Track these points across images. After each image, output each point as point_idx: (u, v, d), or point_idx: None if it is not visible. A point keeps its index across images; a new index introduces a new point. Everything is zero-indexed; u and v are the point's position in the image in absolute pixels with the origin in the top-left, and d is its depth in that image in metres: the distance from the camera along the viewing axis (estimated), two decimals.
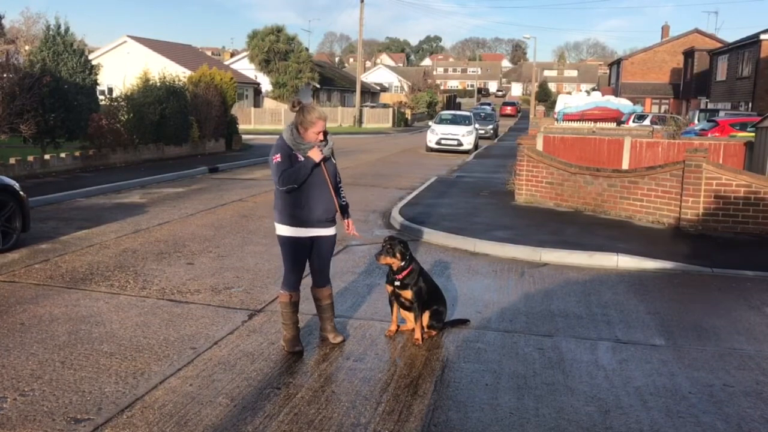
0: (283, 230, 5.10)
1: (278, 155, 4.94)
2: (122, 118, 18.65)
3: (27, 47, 31.70)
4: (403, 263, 5.35)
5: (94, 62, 20.73)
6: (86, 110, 18.13)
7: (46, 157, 15.60)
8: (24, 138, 16.45)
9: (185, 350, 5.15)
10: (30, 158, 14.93)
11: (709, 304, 6.79)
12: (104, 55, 37.61)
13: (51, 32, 18.93)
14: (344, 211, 5.31)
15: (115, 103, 18.98)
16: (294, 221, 5.05)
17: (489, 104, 71.18)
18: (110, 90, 29.76)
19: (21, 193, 8.53)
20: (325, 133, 5.10)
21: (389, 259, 5.34)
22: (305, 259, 5.22)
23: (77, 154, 16.61)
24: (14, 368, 4.71)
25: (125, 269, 7.50)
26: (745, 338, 5.75)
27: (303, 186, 4.96)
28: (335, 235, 5.32)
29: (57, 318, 5.78)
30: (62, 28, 19.02)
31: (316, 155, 4.94)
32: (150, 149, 19.32)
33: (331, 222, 5.20)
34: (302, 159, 4.94)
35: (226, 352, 5.15)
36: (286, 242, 5.12)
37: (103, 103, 20.30)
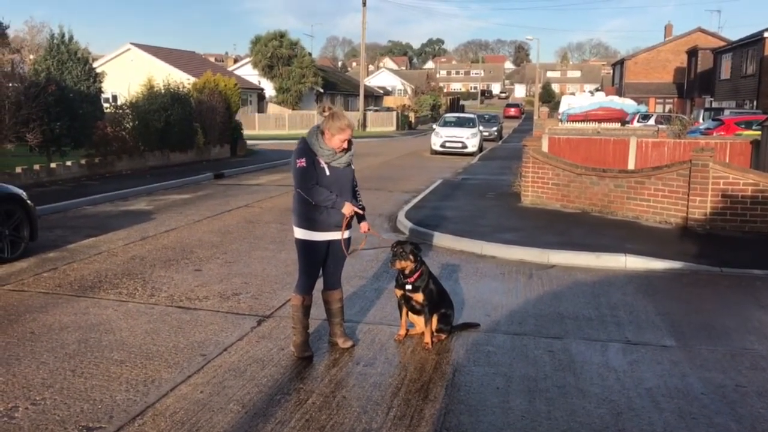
0: (300, 233, 5.12)
1: (303, 159, 4.94)
2: (127, 125, 18.71)
3: (31, 56, 31.82)
4: (415, 265, 5.35)
5: (98, 70, 20.80)
6: (91, 118, 18.17)
7: (52, 165, 15.65)
8: (30, 147, 16.51)
9: (195, 357, 5.15)
10: (36, 167, 14.99)
11: (718, 304, 6.76)
12: (108, 62, 37.75)
13: (55, 41, 19.00)
14: (360, 216, 5.33)
15: (120, 111, 19.06)
16: (311, 225, 5.06)
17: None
18: (114, 97, 29.87)
19: (28, 202, 8.55)
20: (350, 142, 5.09)
21: (403, 263, 5.33)
22: (320, 262, 5.22)
23: (83, 162, 16.66)
24: (25, 377, 4.72)
25: (133, 276, 7.51)
26: (756, 337, 5.72)
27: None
28: (350, 238, 5.32)
29: (66, 326, 5.79)
30: (66, 37, 19.09)
31: (347, 210, 5.02)
32: (155, 156, 19.36)
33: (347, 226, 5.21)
34: (323, 165, 4.96)
35: (236, 358, 5.15)
36: (303, 245, 5.13)
37: (107, 110, 20.38)
